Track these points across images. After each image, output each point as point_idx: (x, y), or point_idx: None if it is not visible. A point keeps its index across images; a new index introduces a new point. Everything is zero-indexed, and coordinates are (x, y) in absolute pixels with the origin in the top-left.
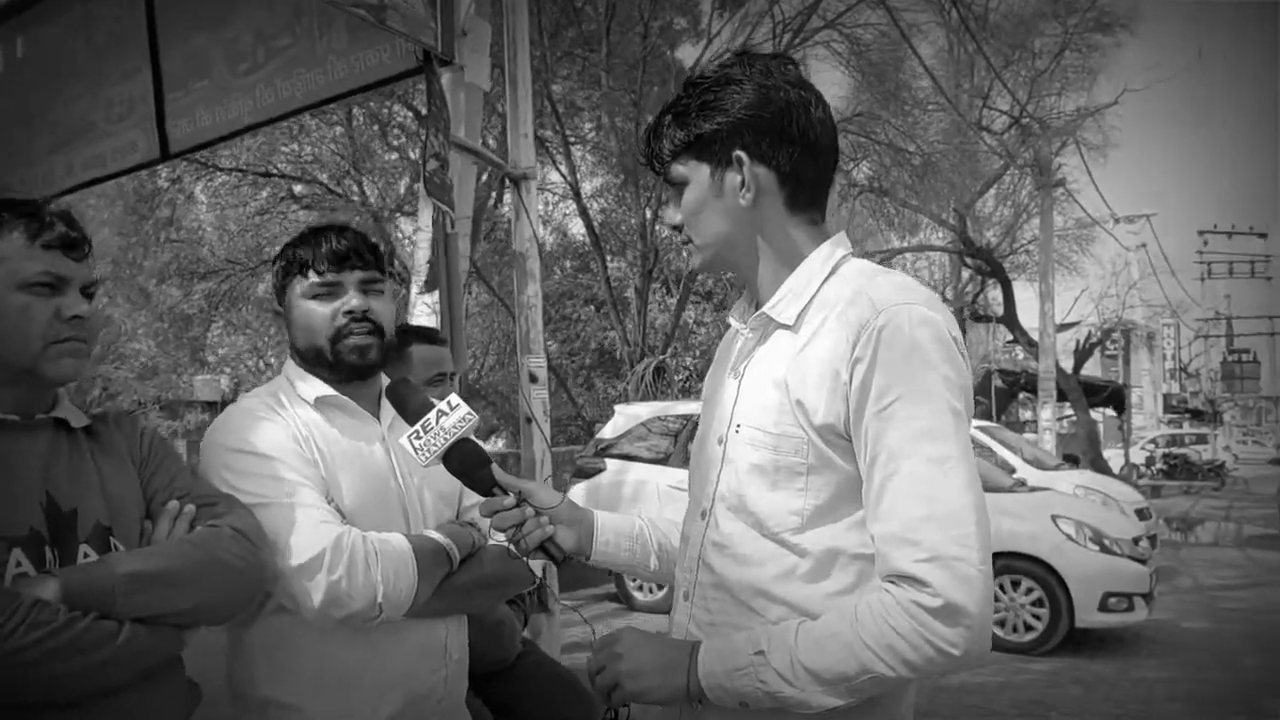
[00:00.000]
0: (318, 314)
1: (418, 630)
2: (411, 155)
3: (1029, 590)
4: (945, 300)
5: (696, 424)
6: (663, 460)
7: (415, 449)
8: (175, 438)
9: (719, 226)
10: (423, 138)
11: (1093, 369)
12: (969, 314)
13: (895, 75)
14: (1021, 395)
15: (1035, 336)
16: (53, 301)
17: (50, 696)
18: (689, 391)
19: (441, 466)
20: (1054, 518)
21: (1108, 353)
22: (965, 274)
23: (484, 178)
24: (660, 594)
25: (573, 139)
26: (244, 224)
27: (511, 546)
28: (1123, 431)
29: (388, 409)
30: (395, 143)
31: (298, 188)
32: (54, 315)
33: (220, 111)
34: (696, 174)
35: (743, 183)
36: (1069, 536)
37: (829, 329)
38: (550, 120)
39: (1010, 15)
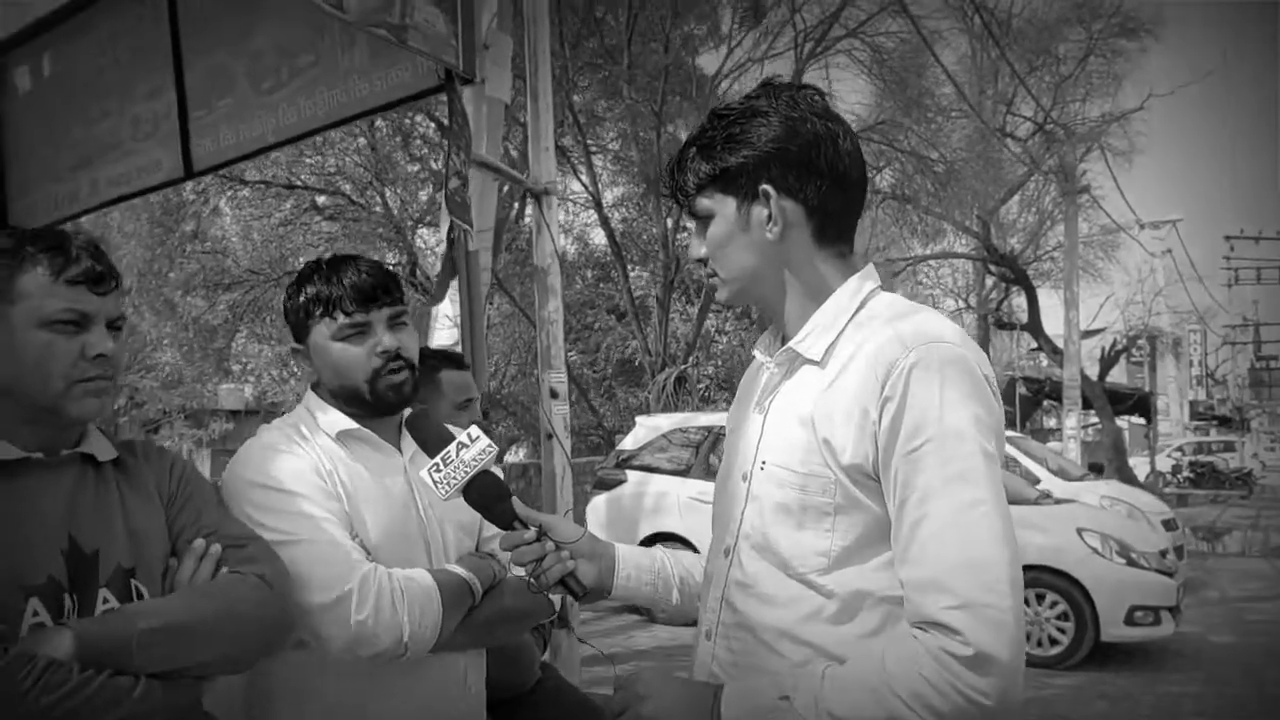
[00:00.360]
0: (351, 355)
1: (437, 664)
2: (434, 165)
3: (1054, 604)
4: (969, 307)
5: (718, 435)
6: (684, 472)
7: (435, 482)
8: (200, 446)
9: (745, 260)
10: (445, 154)
11: (1118, 376)
12: (993, 321)
13: (918, 82)
14: (1046, 403)
15: (1060, 344)
16: (77, 339)
17: None
18: (709, 401)
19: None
20: (1080, 531)
21: (1133, 360)
22: (989, 281)
23: (506, 189)
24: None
25: (594, 148)
26: (268, 235)
27: (532, 581)
28: (1149, 439)
29: (409, 440)
30: (418, 154)
31: (321, 199)
32: (78, 354)
33: (244, 130)
34: (722, 208)
35: (769, 216)
36: (1094, 550)
37: (857, 366)
38: (572, 130)
39: (1034, 21)
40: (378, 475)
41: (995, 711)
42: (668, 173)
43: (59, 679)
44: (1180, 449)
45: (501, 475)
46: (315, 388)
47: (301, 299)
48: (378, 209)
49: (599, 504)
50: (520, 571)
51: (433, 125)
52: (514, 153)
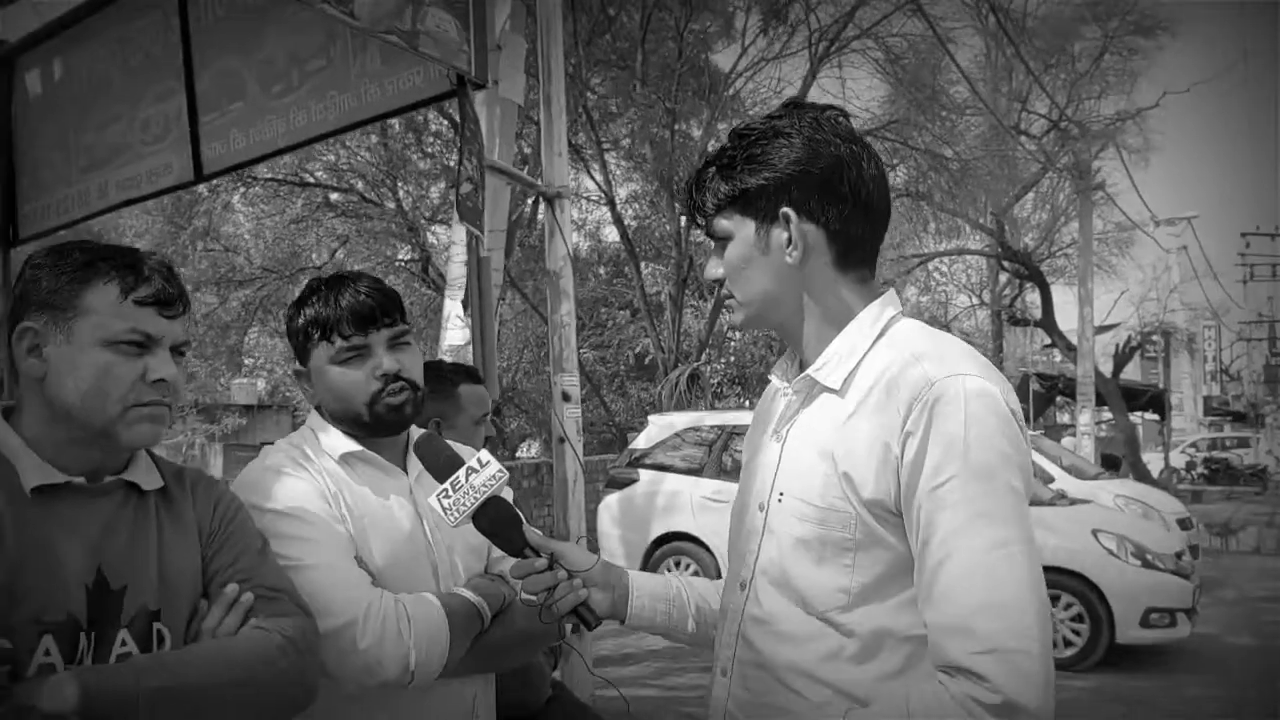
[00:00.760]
0: (350, 379)
1: (445, 690)
2: (447, 162)
3: (1069, 605)
4: (983, 303)
5: (731, 433)
6: (697, 471)
7: (444, 509)
8: (213, 441)
9: (763, 284)
10: (456, 159)
11: (1132, 372)
12: (1006, 317)
13: (932, 81)
14: (1060, 399)
15: (1074, 340)
16: (139, 362)
17: None
18: (721, 397)
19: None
20: (1095, 532)
21: (1148, 356)
22: (1003, 277)
23: (519, 187)
24: None
25: (607, 145)
26: (280, 232)
27: (544, 611)
28: (1163, 435)
29: (414, 460)
30: (431, 150)
31: (334, 196)
32: (138, 377)
33: (254, 133)
34: (741, 229)
35: (789, 240)
36: (1110, 551)
37: (878, 398)
38: (585, 127)
39: (1049, 19)
40: (383, 497)
41: None
42: (686, 190)
43: None
44: (1195, 445)
45: (511, 497)
46: (319, 409)
47: (301, 321)
48: (390, 205)
49: (611, 503)
50: (532, 599)
51: (446, 123)
52: (527, 150)
